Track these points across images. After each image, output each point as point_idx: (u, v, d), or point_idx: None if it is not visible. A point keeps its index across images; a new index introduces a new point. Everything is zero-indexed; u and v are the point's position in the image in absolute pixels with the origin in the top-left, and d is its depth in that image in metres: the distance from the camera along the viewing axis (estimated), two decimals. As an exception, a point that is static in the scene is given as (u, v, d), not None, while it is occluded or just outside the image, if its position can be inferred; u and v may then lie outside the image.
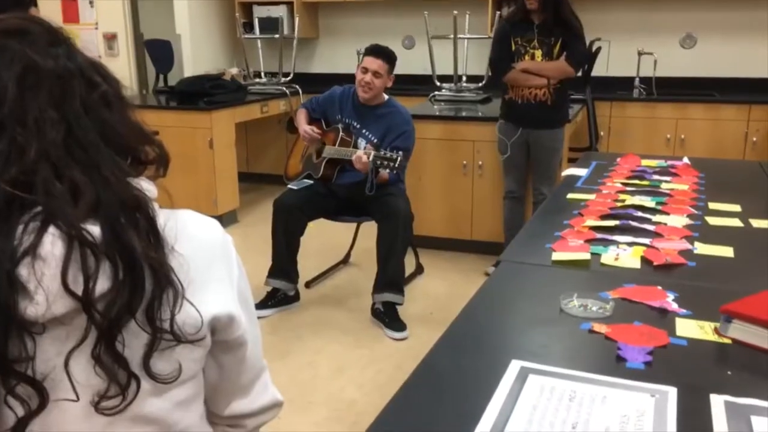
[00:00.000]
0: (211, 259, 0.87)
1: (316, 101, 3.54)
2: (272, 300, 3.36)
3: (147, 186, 0.84)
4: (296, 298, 3.45)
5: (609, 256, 1.54)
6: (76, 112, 0.79)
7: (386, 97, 3.41)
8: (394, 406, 0.94)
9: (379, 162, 3.04)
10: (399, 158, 3.02)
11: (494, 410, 0.91)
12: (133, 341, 0.78)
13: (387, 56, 3.29)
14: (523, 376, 1.00)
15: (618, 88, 5.18)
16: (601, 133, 4.96)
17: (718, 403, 0.92)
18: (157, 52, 6.13)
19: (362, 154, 3.09)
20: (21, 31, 0.79)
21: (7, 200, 0.73)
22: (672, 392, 0.95)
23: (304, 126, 3.45)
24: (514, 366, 1.03)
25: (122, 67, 6.39)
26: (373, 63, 3.25)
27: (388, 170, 3.06)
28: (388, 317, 3.20)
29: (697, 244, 1.63)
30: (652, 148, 4.69)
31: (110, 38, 6.44)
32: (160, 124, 4.19)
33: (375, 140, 3.29)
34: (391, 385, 2.48)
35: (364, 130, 3.35)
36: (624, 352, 1.07)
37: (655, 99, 4.97)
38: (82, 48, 0.86)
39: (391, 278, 3.21)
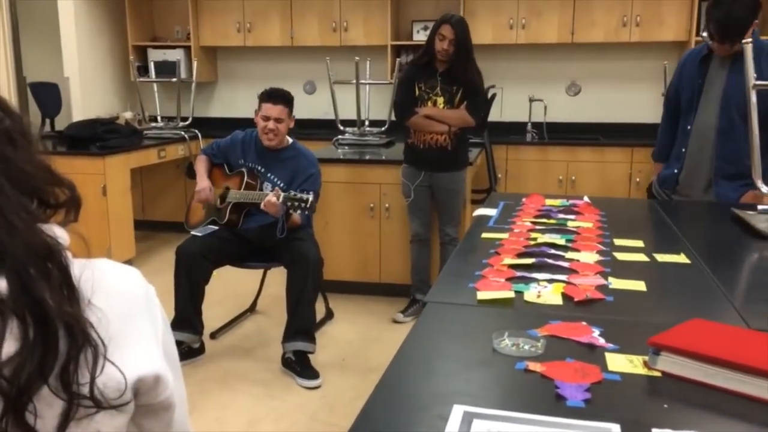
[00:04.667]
0: (134, 313, 0.78)
1: (217, 146, 3.44)
2: (175, 354, 3.17)
3: (59, 232, 0.75)
4: (201, 350, 3.28)
5: (531, 294, 1.55)
6: (-25, 151, 0.70)
7: (290, 140, 3.36)
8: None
9: (290, 203, 2.98)
10: (310, 198, 2.97)
11: (443, 460, 0.87)
12: (46, 410, 0.68)
13: (285, 100, 3.24)
14: (467, 421, 0.97)
15: (512, 132, 5.42)
16: (499, 175, 5.14)
17: (660, 436, 0.92)
18: (43, 96, 5.79)
19: (272, 196, 3.01)
20: None
21: None
22: (616, 429, 0.94)
23: (202, 182, 3.31)
24: (457, 411, 0.99)
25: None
26: (273, 110, 3.19)
27: (299, 211, 3.00)
28: (300, 366, 3.09)
29: (611, 279, 1.67)
30: (546, 189, 4.91)
31: (-11, 80, 6.03)
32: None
33: (281, 185, 3.23)
34: (310, 437, 2.38)
35: (269, 174, 3.28)
36: (563, 390, 1.06)
37: (546, 143, 5.24)
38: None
39: (301, 325, 3.11)
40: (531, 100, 5.45)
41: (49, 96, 5.76)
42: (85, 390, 0.69)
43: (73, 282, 0.72)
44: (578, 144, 5.13)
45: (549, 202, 2.73)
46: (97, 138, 4.56)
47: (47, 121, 5.74)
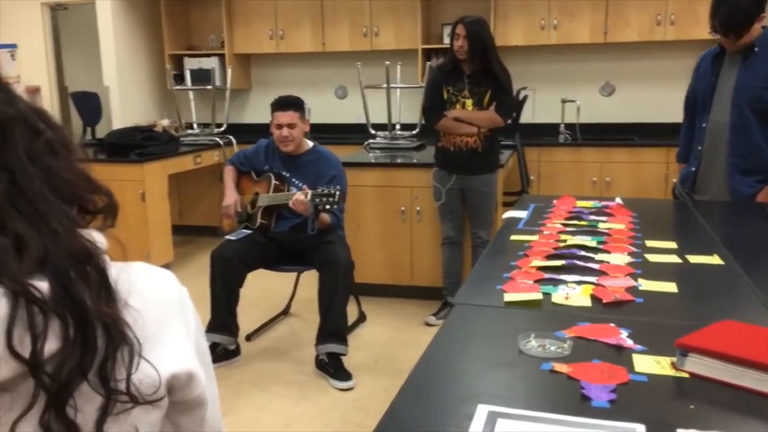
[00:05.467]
0: (168, 313, 0.82)
1: (243, 155, 3.52)
2: (212, 355, 3.22)
3: (97, 237, 0.79)
4: (237, 352, 3.34)
5: (559, 296, 1.56)
6: (18, 161, 0.74)
7: (310, 143, 3.41)
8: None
9: (318, 200, 3.02)
10: (337, 193, 3.01)
11: (467, 458, 0.88)
12: (86, 405, 0.71)
13: (294, 105, 3.30)
14: (492, 420, 0.98)
15: (544, 134, 5.38)
16: (532, 177, 5.11)
17: (685, 437, 0.93)
18: (84, 105, 5.98)
19: (300, 194, 3.06)
20: (-46, 78, 0.74)
21: (-56, 257, 0.66)
22: (641, 429, 0.95)
23: (228, 199, 3.40)
24: (482, 411, 1.01)
25: (47, 119, 6.18)
26: (284, 116, 3.25)
27: (328, 206, 3.04)
28: (333, 368, 3.13)
29: (641, 280, 1.67)
30: (580, 190, 4.86)
31: (33, 92, 6.24)
32: (89, 177, 4.04)
33: (305, 188, 3.28)
34: (342, 438, 2.41)
35: (293, 179, 3.33)
36: (588, 391, 1.07)
37: (579, 144, 5.19)
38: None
39: (334, 328, 3.15)
40: (563, 102, 5.40)
41: (89, 105, 5.94)
42: (122, 386, 0.73)
43: (110, 284, 0.75)
44: (612, 145, 5.08)
45: (580, 203, 2.72)
46: (136, 145, 4.68)
47: (88, 129, 5.91)
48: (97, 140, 5.41)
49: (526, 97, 4.99)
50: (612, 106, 5.55)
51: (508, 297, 1.56)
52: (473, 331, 1.39)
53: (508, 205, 3.39)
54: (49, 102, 6.27)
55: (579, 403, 1.04)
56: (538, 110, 5.54)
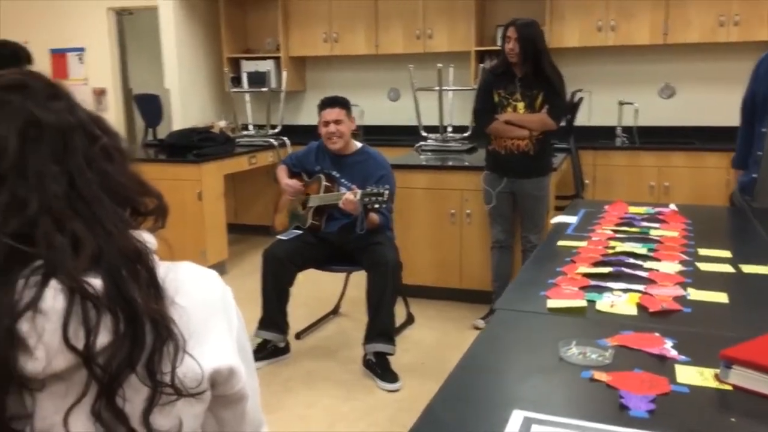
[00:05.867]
0: (211, 311, 0.86)
1: (295, 156, 3.60)
2: (262, 352, 3.31)
3: (147, 238, 0.83)
4: (286, 350, 3.40)
5: (604, 303, 1.54)
6: (77, 165, 0.79)
7: (359, 144, 3.46)
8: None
9: (367, 199, 3.06)
10: (386, 192, 3.04)
11: (500, 462, 0.89)
12: (134, 396, 0.76)
13: (340, 103, 3.38)
14: (526, 426, 0.99)
15: (601, 137, 5.28)
16: (587, 181, 5.03)
17: (724, 450, 0.91)
18: (146, 107, 6.19)
19: (350, 194, 3.11)
20: (22, 86, 0.80)
21: (8, 254, 0.72)
22: (678, 440, 0.94)
23: (285, 180, 3.48)
24: (517, 416, 1.02)
25: (111, 121, 6.43)
26: (331, 113, 3.32)
27: (377, 206, 3.07)
28: (380, 368, 3.16)
29: (690, 290, 1.63)
30: (637, 196, 4.75)
31: (99, 93, 6.51)
32: (149, 177, 4.16)
33: (355, 188, 3.32)
34: (386, 438, 2.44)
35: (342, 179, 3.38)
36: (627, 401, 1.06)
37: (637, 147, 5.07)
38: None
39: (381, 328, 3.18)
40: (621, 104, 5.29)
41: (151, 107, 6.15)
42: (167, 379, 0.77)
43: (158, 282, 0.80)
44: (672, 149, 4.94)
45: (632, 209, 2.67)
46: (194, 146, 4.82)
47: (149, 130, 6.13)
48: (158, 141, 5.60)
49: (581, 99, 4.92)
50: (672, 108, 5.40)
51: (552, 303, 1.55)
52: (514, 336, 1.39)
53: (561, 209, 3.35)
54: (114, 104, 6.52)
55: (617, 413, 1.03)
56: (594, 113, 5.44)
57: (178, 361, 0.78)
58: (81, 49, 6.51)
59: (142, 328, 0.76)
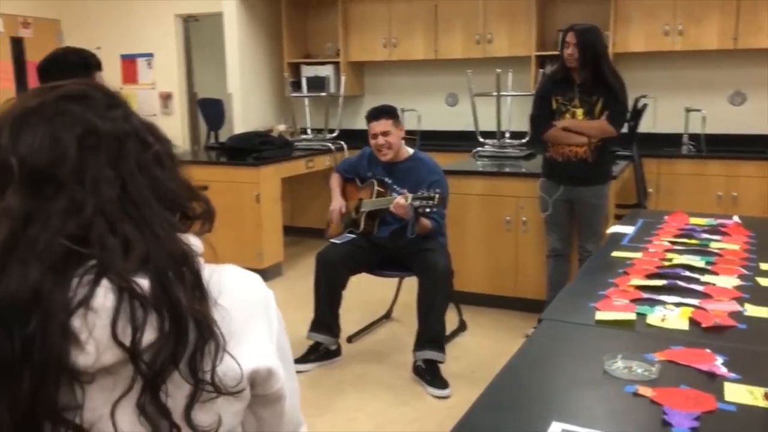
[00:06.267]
0: (252, 314, 0.89)
1: (348, 163, 3.64)
2: (314, 354, 3.36)
3: (194, 241, 0.87)
4: (338, 352, 3.44)
5: (655, 317, 1.51)
6: (130, 171, 0.83)
7: (410, 150, 3.47)
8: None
9: (418, 202, 3.06)
10: (437, 196, 3.04)
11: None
12: (176, 392, 0.79)
13: (387, 113, 3.37)
14: (564, 439, 0.98)
15: (665, 145, 5.13)
16: (650, 190, 4.89)
17: (771, 473, 0.88)
18: (209, 110, 6.37)
19: (401, 198, 3.12)
20: (82, 96, 0.84)
21: (65, 254, 0.76)
22: (721, 461, 0.92)
23: (335, 203, 3.53)
24: (555, 428, 1.01)
25: (175, 124, 6.68)
26: (378, 125, 3.32)
27: (428, 210, 3.07)
28: (430, 374, 3.16)
29: (747, 305, 1.58)
30: (703, 206, 4.59)
31: (166, 97, 6.75)
32: (209, 179, 4.33)
33: (406, 193, 3.32)
34: (432, 444, 2.44)
35: (395, 185, 3.39)
36: (670, 417, 1.04)
37: (704, 156, 4.91)
38: (138, 109, 0.91)
39: (431, 335, 3.18)
40: (687, 111, 5.13)
41: (214, 111, 6.33)
42: (208, 377, 0.80)
43: (203, 284, 0.83)
44: (742, 158, 4.76)
45: (693, 221, 2.59)
46: (253, 149, 4.94)
47: (212, 133, 6.31)
48: (219, 144, 5.76)
49: (645, 105, 4.79)
50: (742, 116, 5.20)
51: (600, 315, 1.53)
52: (558, 347, 1.37)
53: (621, 219, 3.27)
54: (179, 107, 6.75)
55: (659, 429, 1.01)
56: (659, 119, 5.29)
57: (219, 359, 0.81)
58: (150, 55, 6.77)
59: (185, 327, 0.79)
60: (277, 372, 0.88)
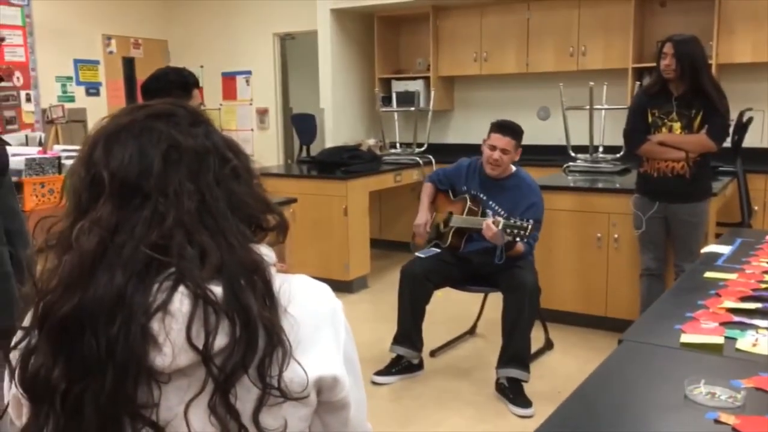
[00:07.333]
0: (320, 323, 0.92)
1: (444, 173, 3.59)
2: (396, 367, 3.38)
3: (266, 251, 0.91)
4: (420, 366, 3.44)
5: (746, 342, 1.42)
6: (209, 184, 0.89)
7: (513, 168, 3.40)
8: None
9: (509, 230, 3.00)
10: (529, 226, 2.97)
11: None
12: (245, 395, 0.83)
13: (514, 132, 3.29)
14: (635, 464, 0.95)
15: (774, 160, 4.83)
16: (755, 208, 4.61)
17: None
18: (302, 125, 6.58)
19: (491, 223, 3.06)
20: (167, 114, 0.91)
21: (147, 262, 0.82)
22: (807, 498, 0.86)
23: (420, 218, 3.50)
24: (627, 453, 0.98)
25: (271, 139, 6.94)
26: (501, 140, 3.25)
27: (518, 239, 3.01)
28: (513, 393, 3.10)
29: None
30: (816, 226, 4.29)
31: (263, 113, 7.03)
32: (300, 192, 4.46)
33: (502, 212, 3.27)
34: (510, 464, 2.39)
35: (490, 202, 3.35)
36: (753, 448, 0.98)
37: (817, 172, 4.58)
38: (219, 127, 0.97)
39: (515, 353, 3.12)
40: (799, 124, 4.81)
41: (307, 125, 6.53)
42: (275, 382, 0.84)
43: (273, 293, 0.87)
44: None
45: (798, 241, 2.42)
46: (342, 163, 5.05)
47: (304, 147, 6.50)
48: (310, 158, 5.93)
49: (751, 118, 4.54)
50: None
51: (686, 338, 1.46)
52: (637, 369, 1.33)
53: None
54: (275, 122, 7.00)
55: (740, 461, 0.96)
56: (767, 133, 4.98)
57: (285, 366, 0.84)
58: (248, 72, 7.08)
59: (255, 334, 0.83)
60: (342, 380, 0.91)
